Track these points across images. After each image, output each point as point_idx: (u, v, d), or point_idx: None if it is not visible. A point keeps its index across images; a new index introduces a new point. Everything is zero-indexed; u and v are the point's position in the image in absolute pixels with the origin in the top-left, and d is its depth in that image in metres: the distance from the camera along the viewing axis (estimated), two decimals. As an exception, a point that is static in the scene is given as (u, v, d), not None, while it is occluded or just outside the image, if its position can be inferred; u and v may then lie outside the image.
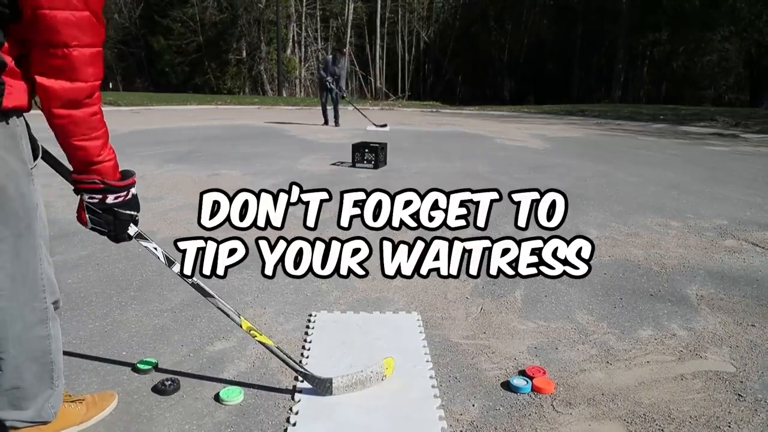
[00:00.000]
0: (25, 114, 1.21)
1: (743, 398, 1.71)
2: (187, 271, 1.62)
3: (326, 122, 10.94)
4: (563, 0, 32.02)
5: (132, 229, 1.42)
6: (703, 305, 2.45)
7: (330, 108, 10.86)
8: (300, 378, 1.74)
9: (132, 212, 1.38)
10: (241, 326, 1.65)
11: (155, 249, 1.53)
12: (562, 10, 31.94)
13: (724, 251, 3.25)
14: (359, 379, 1.70)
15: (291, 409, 1.59)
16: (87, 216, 1.33)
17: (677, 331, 2.18)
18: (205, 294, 1.61)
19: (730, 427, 1.57)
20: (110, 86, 28.48)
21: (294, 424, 1.52)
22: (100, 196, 1.29)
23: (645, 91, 29.55)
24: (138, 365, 1.79)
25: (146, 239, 1.50)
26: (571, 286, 2.62)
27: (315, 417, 1.55)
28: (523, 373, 1.81)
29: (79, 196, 1.32)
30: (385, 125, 10.54)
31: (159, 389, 1.66)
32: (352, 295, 2.46)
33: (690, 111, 16.92)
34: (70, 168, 1.29)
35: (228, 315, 1.64)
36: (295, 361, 1.70)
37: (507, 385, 1.75)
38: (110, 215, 1.33)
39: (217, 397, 1.64)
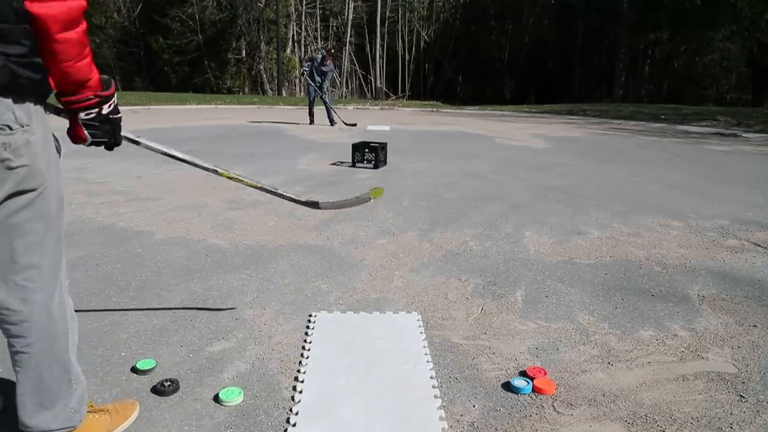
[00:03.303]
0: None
1: (745, 399, 1.71)
2: None
3: (312, 122, 10.86)
4: (564, -1, 32.00)
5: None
6: (704, 306, 2.44)
7: (321, 108, 10.82)
8: (299, 377, 1.74)
9: (120, 114, 1.43)
10: (220, 175, 1.76)
11: (138, 137, 1.59)
12: (563, 9, 31.90)
13: (726, 251, 3.24)
14: (345, 202, 2.06)
15: (291, 410, 1.59)
16: (86, 132, 1.37)
17: (679, 332, 2.17)
18: (177, 158, 1.72)
19: (731, 428, 1.56)
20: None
21: (294, 425, 1.51)
22: (96, 110, 1.34)
23: (646, 90, 29.50)
24: (137, 366, 1.78)
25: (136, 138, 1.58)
26: (572, 286, 2.61)
27: (315, 417, 1.54)
28: (523, 373, 1.81)
29: (67, 118, 1.34)
30: (354, 124, 10.58)
31: (158, 390, 1.66)
32: (352, 295, 2.45)
33: (691, 110, 16.89)
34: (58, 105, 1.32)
35: (202, 167, 1.75)
36: (275, 189, 1.75)
37: (508, 386, 1.74)
38: (107, 124, 1.38)
39: (216, 398, 1.64)
